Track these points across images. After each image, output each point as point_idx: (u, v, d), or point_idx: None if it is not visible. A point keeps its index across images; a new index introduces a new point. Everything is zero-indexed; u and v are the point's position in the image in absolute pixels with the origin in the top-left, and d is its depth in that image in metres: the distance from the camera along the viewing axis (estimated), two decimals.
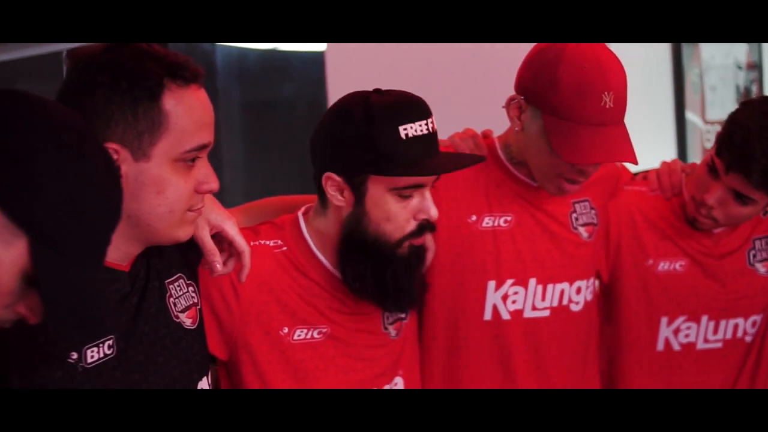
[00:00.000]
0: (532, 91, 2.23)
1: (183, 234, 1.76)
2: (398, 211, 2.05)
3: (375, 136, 2.00)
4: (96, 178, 1.33)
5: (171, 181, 1.68)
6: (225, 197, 5.28)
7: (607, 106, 2.17)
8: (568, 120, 2.18)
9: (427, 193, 2.07)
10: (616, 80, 2.20)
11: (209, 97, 1.78)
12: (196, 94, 1.71)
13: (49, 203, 1.29)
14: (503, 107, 2.30)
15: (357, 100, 2.05)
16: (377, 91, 2.08)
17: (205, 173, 1.73)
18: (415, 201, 2.06)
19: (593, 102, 2.17)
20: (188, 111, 1.68)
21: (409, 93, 2.08)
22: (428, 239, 2.21)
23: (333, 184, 2.06)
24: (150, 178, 1.67)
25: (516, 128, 2.29)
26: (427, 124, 2.04)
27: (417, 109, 2.05)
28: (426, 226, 2.08)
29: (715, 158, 2.37)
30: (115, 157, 1.63)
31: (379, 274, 2.07)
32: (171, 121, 1.67)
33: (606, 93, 2.17)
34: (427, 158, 2.04)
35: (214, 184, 1.74)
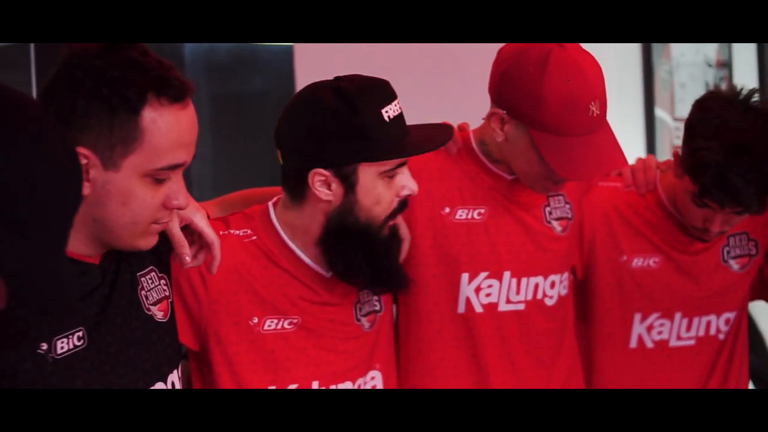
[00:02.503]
0: (516, 107, 2.21)
1: (144, 244, 1.76)
2: (387, 192, 2.06)
3: (363, 124, 2.00)
4: (54, 163, 1.31)
5: (137, 195, 1.68)
6: (193, 191, 5.22)
7: (594, 115, 2.18)
8: (558, 134, 2.18)
9: (406, 170, 2.09)
10: (599, 86, 2.20)
11: None
12: (179, 114, 1.68)
13: (8, 188, 1.26)
14: (483, 119, 2.29)
15: (328, 90, 2.04)
16: (340, 78, 2.07)
17: (176, 189, 1.72)
18: (397, 179, 2.07)
19: (582, 115, 2.17)
20: (166, 130, 1.66)
21: (371, 76, 2.09)
22: (404, 229, 2.23)
23: (320, 179, 2.04)
24: (116, 189, 1.67)
25: (498, 139, 2.27)
26: (398, 103, 2.07)
27: (388, 89, 2.07)
28: (405, 202, 2.11)
29: (705, 200, 2.34)
30: (84, 162, 1.62)
31: (373, 260, 2.08)
32: (146, 138, 1.65)
33: (593, 102, 2.17)
34: (406, 136, 2.06)
35: (182, 201, 1.73)
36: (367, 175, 2.03)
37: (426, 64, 3.63)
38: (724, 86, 4.75)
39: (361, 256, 2.07)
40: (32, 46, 4.93)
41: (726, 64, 4.75)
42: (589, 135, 2.19)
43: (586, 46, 2.27)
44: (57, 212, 1.31)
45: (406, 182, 2.08)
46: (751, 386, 3.18)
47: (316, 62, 3.83)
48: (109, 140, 1.64)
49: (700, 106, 2.40)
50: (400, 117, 2.06)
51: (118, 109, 1.64)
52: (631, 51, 4.09)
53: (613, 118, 2.55)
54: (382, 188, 2.05)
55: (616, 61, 3.94)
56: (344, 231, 2.06)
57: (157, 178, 1.69)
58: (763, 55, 4.94)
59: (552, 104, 2.15)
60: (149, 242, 1.77)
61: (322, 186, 2.04)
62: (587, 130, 2.18)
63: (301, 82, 3.91)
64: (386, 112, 2.02)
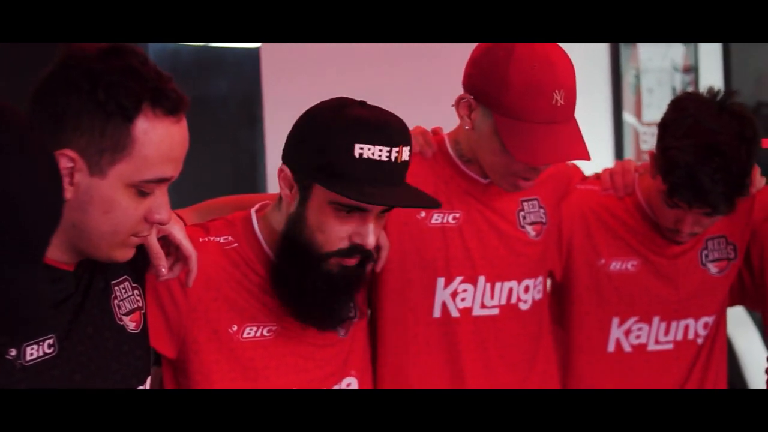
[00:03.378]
0: (482, 91, 2.21)
1: (121, 255, 1.73)
2: (334, 225, 1.99)
3: (328, 145, 1.95)
4: (35, 180, 1.29)
5: (120, 205, 1.65)
6: None
7: (558, 104, 2.16)
8: (520, 120, 2.16)
9: (371, 223, 2.00)
10: (566, 77, 2.18)
11: None
12: (172, 127, 1.66)
13: None
14: (452, 106, 2.27)
15: (335, 105, 2.00)
16: (362, 103, 2.01)
17: (159, 203, 1.70)
18: (354, 224, 2.00)
19: (545, 101, 2.15)
20: (157, 142, 1.64)
21: (392, 116, 2.00)
22: (383, 239, 2.20)
23: (284, 177, 2.03)
24: (100, 196, 1.64)
25: (466, 127, 2.26)
26: (390, 152, 1.95)
27: (385, 133, 1.96)
28: (358, 250, 2.02)
29: (675, 200, 2.34)
30: (70, 165, 1.61)
31: (300, 283, 2.02)
32: (136, 148, 1.63)
33: (557, 91, 2.15)
34: (376, 185, 1.95)
35: (165, 216, 1.71)
36: (319, 196, 1.98)
37: (397, 67, 3.62)
38: (690, 90, 4.77)
39: (293, 274, 2.02)
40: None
41: (693, 69, 4.76)
42: (552, 124, 2.17)
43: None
44: (32, 231, 1.29)
45: (361, 230, 2.00)
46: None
47: (283, 65, 3.80)
48: (99, 146, 1.62)
49: (675, 105, 2.40)
50: (382, 164, 1.95)
51: (112, 115, 1.61)
52: (600, 55, 4.09)
53: (580, 121, 2.54)
54: (330, 218, 1.98)
55: (584, 65, 3.93)
56: (289, 240, 2.03)
57: (142, 190, 1.66)
58: (729, 59, 4.97)
59: (515, 87, 2.14)
60: (126, 254, 1.74)
61: (285, 184, 2.02)
62: (550, 119, 2.16)
63: (268, 84, 3.88)
64: (361, 149, 1.92)
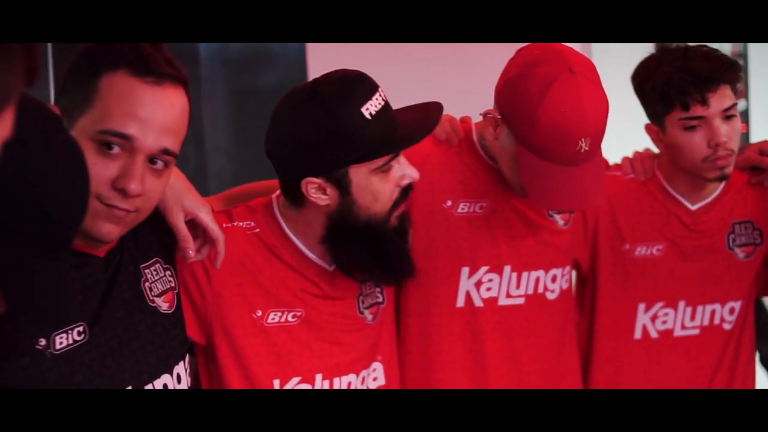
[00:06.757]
0: (510, 118, 2.18)
1: (89, 224, 1.64)
2: (384, 187, 2.04)
3: (344, 128, 1.96)
4: (60, 173, 1.30)
5: None
6: (211, 185, 5.24)
7: (582, 150, 2.13)
8: (542, 158, 2.14)
9: (402, 158, 2.06)
10: (595, 124, 2.14)
11: (193, 84, 1.75)
12: (143, 87, 1.68)
13: (9, 195, 1.24)
14: (480, 114, 2.27)
15: (306, 97, 2.00)
16: (316, 81, 2.03)
17: (129, 171, 1.67)
18: (394, 170, 2.05)
19: (569, 148, 2.12)
20: (118, 95, 1.67)
21: (349, 71, 2.03)
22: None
23: (314, 187, 2.02)
24: None
25: (489, 137, 2.27)
26: (380, 95, 2.01)
27: (367, 84, 2.01)
28: (408, 188, 2.09)
29: (690, 109, 2.38)
30: None
31: (379, 253, 2.07)
32: (98, 98, 1.67)
33: (583, 139, 2.11)
34: (394, 129, 2.01)
35: (132, 185, 1.67)
36: (359, 175, 2.01)
37: (435, 58, 3.63)
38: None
39: (367, 251, 2.06)
40: (49, 44, 4.95)
41: (741, 55, 4.73)
42: (573, 167, 2.14)
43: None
44: (57, 224, 1.30)
45: (404, 171, 2.06)
46: (762, 376, 3.17)
47: (328, 55, 3.82)
48: (74, 100, 1.68)
49: (634, 77, 2.51)
50: (383, 110, 2.00)
51: (85, 73, 1.69)
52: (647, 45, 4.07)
53: (632, 108, 2.55)
54: (379, 184, 2.02)
55: (631, 50, 3.93)
56: (346, 230, 2.05)
57: (103, 144, 1.66)
58: None
59: (542, 130, 2.11)
60: (97, 226, 1.69)
61: (318, 192, 2.02)
62: (571, 162, 2.14)
63: (314, 75, 3.90)
64: (367, 109, 1.96)
